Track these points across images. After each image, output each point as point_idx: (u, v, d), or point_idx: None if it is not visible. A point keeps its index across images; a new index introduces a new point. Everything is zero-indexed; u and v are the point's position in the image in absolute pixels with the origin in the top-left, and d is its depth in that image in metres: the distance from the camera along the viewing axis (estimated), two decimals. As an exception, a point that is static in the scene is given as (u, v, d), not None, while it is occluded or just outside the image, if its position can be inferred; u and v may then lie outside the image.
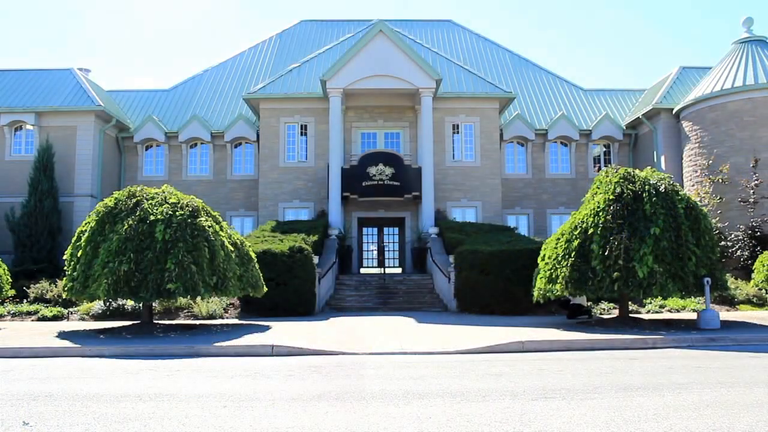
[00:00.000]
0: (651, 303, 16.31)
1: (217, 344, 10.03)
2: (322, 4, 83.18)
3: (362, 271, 24.64)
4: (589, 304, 15.07)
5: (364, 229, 26.46)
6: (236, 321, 14.67)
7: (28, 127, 23.95)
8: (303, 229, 19.11)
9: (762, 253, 17.11)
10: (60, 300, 16.26)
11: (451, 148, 23.96)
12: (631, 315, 14.11)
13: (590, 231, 12.08)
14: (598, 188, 13.08)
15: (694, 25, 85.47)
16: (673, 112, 23.80)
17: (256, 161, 25.12)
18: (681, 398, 5.68)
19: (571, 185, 25.65)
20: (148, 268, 11.22)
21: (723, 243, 19.81)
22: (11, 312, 15.61)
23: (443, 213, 22.83)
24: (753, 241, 19.71)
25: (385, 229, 27.00)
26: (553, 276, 12.56)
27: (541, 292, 12.98)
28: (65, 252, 12.38)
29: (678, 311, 16.11)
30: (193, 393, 6.22)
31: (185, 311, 15.56)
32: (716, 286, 12.39)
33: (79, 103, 23.87)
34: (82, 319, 15.24)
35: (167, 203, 12.09)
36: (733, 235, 20.29)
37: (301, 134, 23.96)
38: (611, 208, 12.14)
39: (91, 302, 14.33)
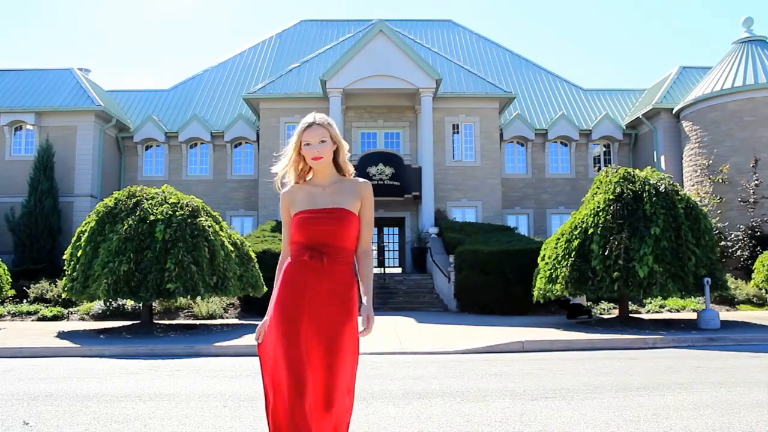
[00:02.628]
0: (651, 303, 16.32)
1: (217, 344, 10.03)
2: (322, 4, 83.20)
3: (362, 271, 24.59)
4: (589, 304, 15.07)
5: (364, 229, 26.42)
6: (236, 321, 14.67)
7: (28, 127, 23.96)
8: (303, 229, 19.09)
9: (762, 253, 17.11)
10: (60, 300, 16.26)
11: (451, 148, 23.97)
12: (631, 315, 14.11)
13: (590, 231, 12.08)
14: (598, 188, 13.08)
15: (694, 25, 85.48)
16: (673, 112, 23.80)
17: (256, 161, 25.12)
18: (681, 398, 5.67)
19: (571, 185, 25.66)
20: (148, 268, 11.22)
21: (723, 243, 19.81)
22: (11, 312, 15.61)
23: (443, 213, 22.84)
24: (753, 241, 19.71)
25: (385, 229, 27.02)
26: (553, 276, 12.56)
27: (541, 292, 12.99)
28: (65, 252, 12.38)
29: (678, 311, 16.11)
30: (193, 393, 6.22)
31: (185, 311, 15.56)
32: (716, 286, 12.40)
33: (79, 103, 23.88)
34: (82, 319, 15.24)
35: (167, 203, 12.09)
36: (733, 235, 20.30)
37: (301, 134, 23.94)
38: (611, 208, 12.14)
39: (91, 302, 14.33)
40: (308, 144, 2.85)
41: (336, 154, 2.93)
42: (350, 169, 2.98)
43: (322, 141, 2.85)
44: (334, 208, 2.83)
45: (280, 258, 2.98)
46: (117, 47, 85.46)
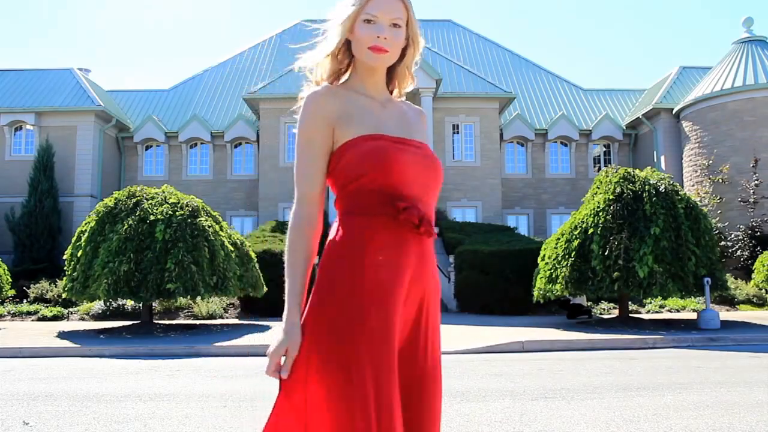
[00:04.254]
0: (651, 303, 16.32)
1: (217, 344, 10.03)
2: (323, 4, 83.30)
3: (362, 271, 24.64)
4: (589, 304, 15.08)
5: (364, 229, 26.44)
6: (236, 321, 14.67)
7: (28, 127, 23.96)
8: (303, 229, 19.06)
9: (762, 253, 17.12)
10: (60, 300, 16.26)
11: (451, 148, 23.97)
12: (631, 315, 14.12)
13: (590, 231, 12.09)
14: (598, 188, 13.09)
15: (694, 25, 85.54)
16: (673, 112, 23.80)
17: (256, 161, 25.13)
18: (681, 398, 5.67)
19: (571, 185, 25.66)
20: (148, 268, 11.22)
21: (723, 243, 19.81)
22: (11, 312, 15.61)
23: (443, 213, 22.84)
24: (753, 241, 19.72)
25: (385, 229, 26.95)
26: (553, 276, 12.57)
27: (541, 292, 12.99)
28: (65, 252, 12.38)
29: (678, 311, 16.11)
30: (193, 393, 6.22)
31: (185, 311, 15.56)
32: (716, 286, 12.40)
33: (79, 103, 23.88)
34: (82, 319, 15.24)
35: (167, 203, 12.10)
36: (733, 235, 20.30)
37: (301, 134, 23.97)
38: (611, 208, 12.14)
39: (91, 302, 14.33)
40: (370, 21, 1.68)
41: (403, 54, 1.76)
42: (408, 85, 1.86)
43: (395, 25, 1.68)
44: (422, 143, 1.72)
45: (294, 221, 1.66)
46: (117, 47, 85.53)
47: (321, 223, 1.69)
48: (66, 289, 12.07)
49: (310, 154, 1.65)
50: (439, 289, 1.75)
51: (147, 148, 25.96)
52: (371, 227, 1.58)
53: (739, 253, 19.87)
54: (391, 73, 1.80)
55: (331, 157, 1.66)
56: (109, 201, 12.38)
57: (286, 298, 1.61)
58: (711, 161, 21.71)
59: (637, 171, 12.96)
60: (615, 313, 15.24)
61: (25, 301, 16.84)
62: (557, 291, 12.48)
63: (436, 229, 1.66)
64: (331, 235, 1.65)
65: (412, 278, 1.61)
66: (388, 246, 1.58)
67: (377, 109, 1.71)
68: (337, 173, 1.64)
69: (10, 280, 14.85)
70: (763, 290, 16.98)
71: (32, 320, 15.17)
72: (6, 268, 14.81)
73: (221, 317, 15.42)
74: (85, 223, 12.29)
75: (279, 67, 28.54)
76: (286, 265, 1.63)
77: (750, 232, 19.93)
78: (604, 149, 26.41)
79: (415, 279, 1.62)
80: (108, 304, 15.06)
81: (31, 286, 17.43)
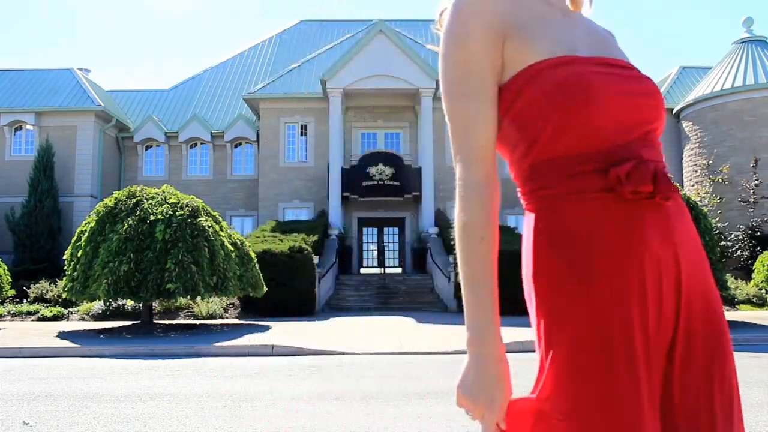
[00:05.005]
0: (651, 303, 16.32)
1: (217, 344, 10.03)
2: (322, 4, 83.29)
3: (362, 271, 24.64)
4: (589, 304, 15.08)
5: (364, 229, 26.46)
6: (236, 321, 14.67)
7: (28, 127, 23.97)
8: (303, 229, 19.13)
9: (762, 253, 17.13)
10: (60, 300, 16.27)
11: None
12: (631, 315, 14.12)
13: (590, 231, 12.10)
14: (598, 188, 13.10)
15: (694, 25, 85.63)
16: (673, 112, 23.81)
17: (256, 161, 25.14)
18: (681, 398, 5.67)
19: (571, 185, 25.67)
20: (148, 268, 11.23)
21: (723, 243, 19.82)
22: (11, 312, 15.61)
23: (443, 213, 22.84)
24: (753, 241, 19.73)
25: (385, 229, 27.01)
26: (553, 276, 12.57)
27: (541, 292, 13.00)
28: (65, 252, 12.39)
29: (678, 311, 16.12)
30: (193, 393, 6.22)
31: (185, 311, 15.56)
32: (716, 286, 12.40)
33: (79, 103, 23.89)
34: (82, 319, 15.24)
35: (167, 203, 12.10)
36: (733, 235, 20.30)
37: (301, 134, 23.98)
38: (611, 208, 12.15)
39: (91, 302, 14.33)
40: None
41: None
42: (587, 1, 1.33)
43: None
44: (628, 62, 1.18)
45: (465, 195, 1.13)
46: (117, 47, 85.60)
47: (498, 185, 1.16)
48: (66, 289, 12.07)
49: (472, 86, 1.11)
50: (701, 256, 1.18)
51: (147, 148, 25.97)
52: (585, 221, 1.05)
53: (739, 253, 19.88)
54: None
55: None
56: (109, 201, 12.38)
57: (471, 314, 1.10)
58: (711, 161, 21.72)
59: (637, 171, 12.97)
60: (615, 313, 15.23)
61: (25, 301, 16.85)
62: (557, 291, 12.48)
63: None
64: (527, 232, 1.20)
65: (659, 266, 1.05)
66: (616, 241, 1.03)
67: (559, 19, 1.17)
68: (506, 129, 1.11)
69: (10, 280, 14.86)
70: (763, 290, 16.98)
71: (32, 320, 15.17)
72: (6, 268, 14.83)
73: (221, 317, 15.42)
74: (85, 223, 12.29)
75: (279, 67, 28.55)
76: (462, 262, 1.12)
77: (750, 232, 19.94)
78: (604, 149, 26.43)
79: (665, 264, 1.06)
80: (108, 304, 15.06)
81: (31, 286, 17.44)
